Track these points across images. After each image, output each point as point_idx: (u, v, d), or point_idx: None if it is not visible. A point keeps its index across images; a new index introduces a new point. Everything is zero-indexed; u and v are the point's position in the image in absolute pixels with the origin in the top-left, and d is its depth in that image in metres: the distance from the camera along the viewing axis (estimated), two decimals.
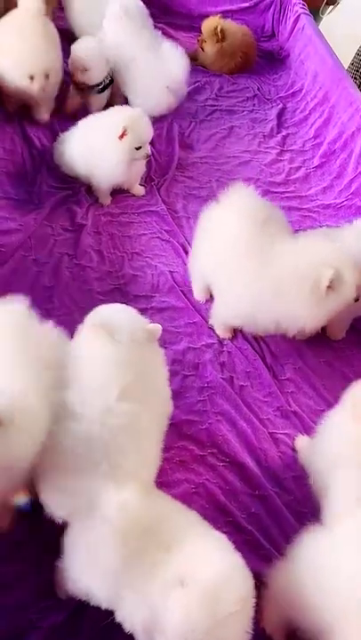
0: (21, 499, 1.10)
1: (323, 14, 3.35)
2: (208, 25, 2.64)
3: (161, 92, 2.15)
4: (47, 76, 1.92)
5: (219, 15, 2.67)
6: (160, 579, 0.87)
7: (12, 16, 1.99)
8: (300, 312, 1.41)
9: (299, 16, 2.82)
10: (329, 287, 1.34)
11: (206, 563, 0.87)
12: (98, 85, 2.07)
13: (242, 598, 0.86)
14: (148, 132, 1.73)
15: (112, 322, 1.10)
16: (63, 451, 0.98)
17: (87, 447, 0.97)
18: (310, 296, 1.36)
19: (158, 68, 2.12)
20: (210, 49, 2.64)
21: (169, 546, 0.91)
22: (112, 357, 1.05)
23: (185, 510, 1.05)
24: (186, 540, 0.92)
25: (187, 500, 1.24)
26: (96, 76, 2.04)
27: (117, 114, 1.73)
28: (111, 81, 2.11)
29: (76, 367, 1.07)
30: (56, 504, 0.99)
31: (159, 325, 1.14)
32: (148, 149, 1.76)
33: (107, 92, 2.12)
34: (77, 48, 2.01)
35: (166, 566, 0.88)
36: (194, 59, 2.72)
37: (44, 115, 2.07)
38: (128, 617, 0.94)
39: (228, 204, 1.51)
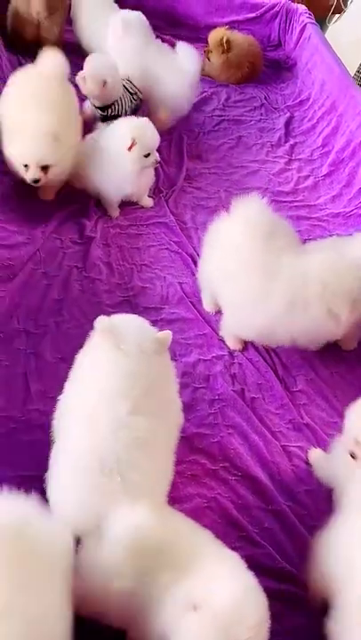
0: None
1: (329, 23, 3.36)
2: (214, 36, 2.65)
3: (183, 88, 2.15)
4: (45, 169, 1.63)
5: (225, 26, 2.69)
6: (172, 601, 0.86)
7: (27, 76, 1.74)
8: (321, 326, 1.39)
9: (305, 25, 2.83)
10: None
11: (220, 586, 0.86)
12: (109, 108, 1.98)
13: (256, 624, 0.84)
14: (154, 138, 1.74)
15: (121, 331, 1.10)
16: (75, 466, 0.98)
17: (100, 462, 0.96)
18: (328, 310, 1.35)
19: (174, 68, 2.13)
20: (216, 60, 2.65)
21: (182, 567, 0.89)
22: (122, 369, 1.04)
23: (197, 529, 1.03)
24: (199, 561, 0.90)
25: (199, 514, 1.23)
26: (116, 89, 1.94)
27: (123, 125, 1.74)
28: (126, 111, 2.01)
29: (87, 378, 1.06)
30: (68, 520, 0.98)
31: (169, 332, 1.14)
32: (156, 155, 1.77)
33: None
34: (92, 60, 1.89)
35: (179, 588, 0.87)
36: (200, 69, 2.73)
37: (46, 195, 1.83)
38: (140, 638, 0.93)
39: (235, 216, 1.50)
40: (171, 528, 0.99)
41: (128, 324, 1.15)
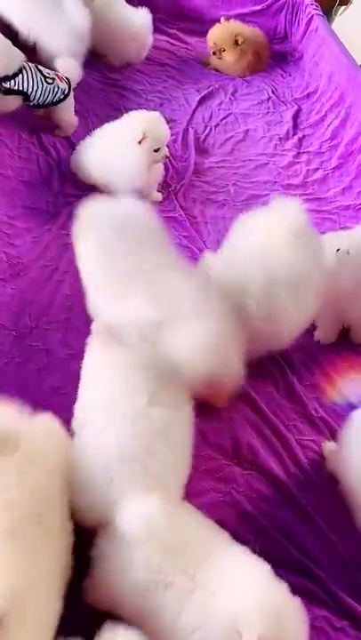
0: None
1: (336, 15, 3.33)
2: (222, 34, 2.63)
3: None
4: None
5: (223, 18, 2.66)
6: (193, 605, 0.87)
7: None
8: None
9: (312, 17, 2.81)
10: None
11: (258, 608, 0.85)
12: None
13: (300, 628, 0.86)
14: (165, 133, 1.74)
15: (120, 324, 1.10)
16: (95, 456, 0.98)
17: (120, 452, 0.96)
18: None
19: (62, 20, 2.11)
20: (231, 56, 2.63)
21: (196, 564, 0.90)
22: (130, 361, 1.04)
23: (210, 524, 1.03)
24: (220, 568, 0.90)
25: (214, 508, 1.23)
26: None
27: (134, 120, 1.74)
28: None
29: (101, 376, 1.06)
30: (86, 513, 0.98)
31: None
32: (166, 150, 1.76)
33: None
34: None
35: (201, 594, 0.87)
36: (206, 63, 2.72)
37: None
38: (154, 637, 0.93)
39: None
40: (184, 523, 0.98)
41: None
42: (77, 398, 1.15)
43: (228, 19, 2.68)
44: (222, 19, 2.67)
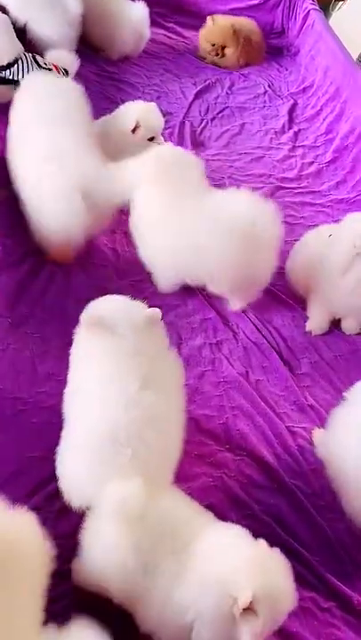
0: None
1: (333, 10, 3.34)
2: (220, 32, 2.63)
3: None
4: None
5: (209, 18, 2.67)
6: (183, 584, 0.89)
7: None
8: None
9: (308, 12, 2.82)
10: None
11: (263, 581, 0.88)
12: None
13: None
14: (159, 122, 1.76)
15: (108, 315, 1.11)
16: (87, 440, 1.00)
17: (111, 436, 0.98)
18: None
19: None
20: (232, 51, 2.64)
21: (185, 548, 0.92)
22: (124, 349, 1.06)
23: (196, 507, 1.05)
24: (205, 545, 0.93)
25: (205, 493, 1.26)
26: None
27: (128, 109, 1.75)
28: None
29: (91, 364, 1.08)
30: (74, 493, 1.00)
31: (158, 310, 1.15)
32: (161, 139, 1.78)
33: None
34: None
35: (190, 572, 0.90)
36: (203, 57, 2.73)
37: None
38: (145, 619, 0.95)
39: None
40: (170, 504, 1.00)
41: (113, 307, 1.16)
42: (67, 384, 1.17)
43: (212, 17, 2.67)
44: (208, 19, 2.67)
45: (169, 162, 1.48)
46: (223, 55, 2.65)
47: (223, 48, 2.64)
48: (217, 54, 2.66)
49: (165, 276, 1.63)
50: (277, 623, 0.91)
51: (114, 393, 1.03)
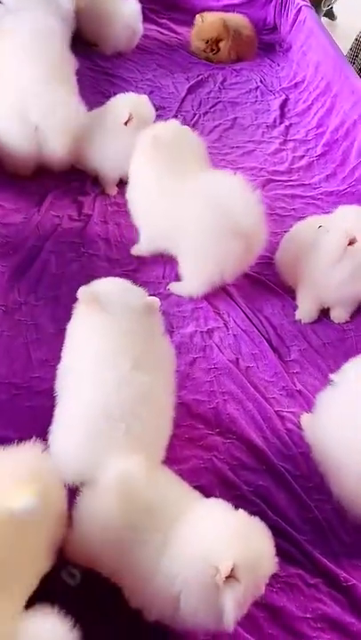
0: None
1: (324, 7, 3.38)
2: (212, 27, 2.66)
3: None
4: None
5: (198, 16, 2.70)
6: (169, 557, 0.92)
7: None
8: None
9: (300, 8, 2.85)
10: None
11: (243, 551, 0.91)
12: None
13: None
14: (151, 114, 1.79)
15: (105, 294, 1.15)
16: (80, 416, 1.02)
17: (105, 412, 1.01)
18: None
19: None
20: (226, 45, 2.67)
21: (171, 525, 0.94)
22: (117, 329, 1.09)
23: (185, 487, 1.07)
24: (191, 519, 0.95)
25: (196, 474, 1.28)
26: None
27: (120, 101, 1.78)
28: None
29: (85, 343, 1.11)
30: (67, 469, 1.03)
31: (157, 299, 1.18)
32: None
33: None
34: None
35: (175, 546, 0.93)
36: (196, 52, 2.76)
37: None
38: (134, 592, 0.98)
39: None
40: (160, 482, 1.03)
41: (111, 288, 1.19)
42: (61, 361, 1.19)
43: (201, 15, 2.70)
44: (197, 17, 2.70)
45: (167, 137, 1.54)
46: (218, 50, 2.67)
47: (218, 42, 2.67)
48: (212, 50, 2.68)
49: (148, 242, 1.71)
50: (260, 588, 0.94)
51: (107, 371, 1.05)
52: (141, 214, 1.68)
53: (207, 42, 2.67)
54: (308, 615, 1.14)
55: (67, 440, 1.06)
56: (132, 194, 1.68)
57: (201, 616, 0.94)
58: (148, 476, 0.99)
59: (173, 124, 1.66)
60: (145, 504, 0.97)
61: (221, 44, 2.68)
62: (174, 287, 1.67)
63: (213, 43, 2.67)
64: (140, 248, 1.74)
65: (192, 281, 1.65)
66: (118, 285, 1.20)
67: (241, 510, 0.99)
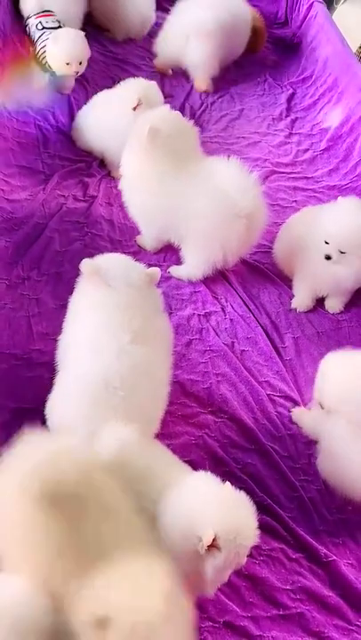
0: None
1: (336, 4, 3.39)
2: None
3: None
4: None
5: None
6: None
7: None
8: None
9: (312, 4, 2.86)
10: None
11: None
12: None
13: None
14: (159, 100, 1.80)
15: (107, 269, 1.18)
16: (80, 384, 1.06)
17: (104, 381, 1.05)
18: None
19: None
20: None
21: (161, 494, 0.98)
22: (117, 302, 1.13)
23: (174, 459, 1.11)
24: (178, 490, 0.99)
25: (186, 450, 1.33)
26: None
27: (130, 86, 1.80)
28: None
29: (86, 314, 1.14)
30: (66, 430, 1.07)
31: (157, 269, 1.22)
32: None
33: None
34: None
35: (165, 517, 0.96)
36: None
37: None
38: None
39: None
40: (155, 451, 1.07)
41: (114, 263, 1.23)
42: (62, 332, 1.23)
43: None
44: None
45: (161, 128, 1.53)
46: None
47: None
48: None
49: (149, 235, 1.72)
50: (242, 558, 0.98)
51: (107, 342, 1.09)
52: (140, 206, 1.67)
53: None
54: (288, 587, 1.19)
55: (65, 407, 1.10)
56: (128, 187, 1.65)
57: (184, 582, 0.98)
58: (140, 445, 1.03)
59: (165, 111, 1.64)
60: (140, 473, 1.01)
61: None
62: (175, 270, 1.71)
63: None
64: (144, 244, 1.76)
65: (194, 264, 1.68)
66: (120, 261, 1.24)
67: (227, 483, 1.03)
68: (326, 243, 1.58)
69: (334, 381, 1.26)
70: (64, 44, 1.99)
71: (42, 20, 2.12)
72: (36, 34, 2.12)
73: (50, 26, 2.11)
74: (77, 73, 2.05)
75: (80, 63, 2.02)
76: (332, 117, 2.25)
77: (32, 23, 2.15)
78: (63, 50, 1.99)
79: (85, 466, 0.91)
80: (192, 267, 1.68)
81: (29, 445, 0.91)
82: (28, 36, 2.20)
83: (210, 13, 2.32)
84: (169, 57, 2.42)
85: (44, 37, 2.09)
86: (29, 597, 0.84)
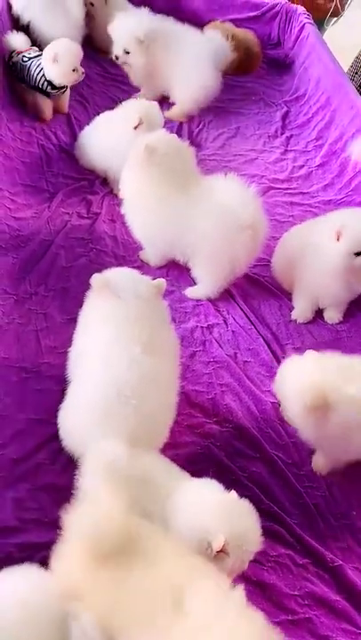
0: None
1: (327, 26, 3.50)
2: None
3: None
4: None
5: (220, 20, 2.81)
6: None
7: None
8: None
9: (303, 25, 2.96)
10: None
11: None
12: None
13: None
14: (160, 120, 1.87)
15: (116, 282, 1.22)
16: (93, 394, 1.10)
17: (116, 391, 1.09)
18: None
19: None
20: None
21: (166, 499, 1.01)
22: (126, 315, 1.17)
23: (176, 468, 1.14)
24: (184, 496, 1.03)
25: (193, 459, 1.36)
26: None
27: (132, 106, 1.87)
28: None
29: (96, 327, 1.18)
30: (77, 443, 1.10)
31: (164, 280, 1.26)
32: None
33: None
34: None
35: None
36: None
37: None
38: None
39: None
40: (152, 462, 1.09)
41: (122, 277, 1.27)
42: (73, 344, 1.27)
43: (223, 21, 2.82)
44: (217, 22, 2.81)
45: (158, 147, 1.58)
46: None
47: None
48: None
49: (153, 253, 1.77)
50: (245, 563, 1.01)
51: (118, 353, 1.13)
52: (141, 226, 1.71)
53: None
54: (296, 592, 1.22)
55: (78, 416, 1.13)
56: (129, 207, 1.70)
57: None
58: (136, 458, 1.05)
59: (162, 133, 1.70)
60: (136, 482, 1.03)
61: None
62: (192, 292, 1.75)
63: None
64: (148, 259, 1.80)
65: (208, 282, 1.72)
66: (128, 274, 1.28)
67: (233, 492, 1.06)
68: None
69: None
70: (65, 53, 2.05)
71: (24, 53, 2.15)
72: (24, 68, 2.13)
73: (34, 55, 2.14)
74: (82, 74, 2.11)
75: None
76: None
77: (15, 60, 2.16)
78: (66, 58, 2.04)
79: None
80: (207, 285, 1.72)
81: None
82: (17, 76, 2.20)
83: None
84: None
85: (35, 63, 2.11)
86: (43, 587, 0.86)
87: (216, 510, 1.01)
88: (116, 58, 2.28)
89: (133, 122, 1.80)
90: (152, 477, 1.06)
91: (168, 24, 2.41)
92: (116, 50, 2.27)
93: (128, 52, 2.24)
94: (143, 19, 2.28)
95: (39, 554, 1.11)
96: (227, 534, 0.96)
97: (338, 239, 1.58)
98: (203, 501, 1.03)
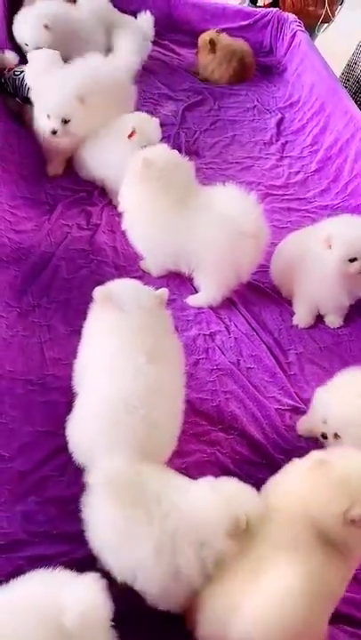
0: None
1: (318, 32, 3.53)
2: (202, 38, 2.84)
3: None
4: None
5: (214, 29, 2.85)
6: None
7: None
8: None
9: (295, 33, 3.00)
10: None
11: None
12: None
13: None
14: (155, 132, 1.89)
15: (119, 294, 1.23)
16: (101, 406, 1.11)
17: (124, 402, 1.10)
18: None
19: None
20: (203, 59, 2.84)
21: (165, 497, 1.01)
22: (131, 326, 1.18)
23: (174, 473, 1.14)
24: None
25: (199, 467, 1.36)
26: None
27: (127, 117, 1.89)
28: None
29: (101, 338, 1.19)
30: (86, 454, 1.11)
31: (166, 290, 1.28)
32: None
33: None
34: None
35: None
36: (196, 73, 2.90)
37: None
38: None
39: None
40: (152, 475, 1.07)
41: (125, 288, 1.28)
42: (78, 356, 1.28)
43: (220, 31, 2.85)
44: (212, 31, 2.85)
45: (156, 161, 1.60)
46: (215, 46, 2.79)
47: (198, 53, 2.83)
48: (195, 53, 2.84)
49: (155, 264, 1.78)
50: None
51: (123, 364, 1.14)
52: (141, 238, 1.73)
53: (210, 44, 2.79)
54: None
55: (87, 427, 1.14)
56: (129, 220, 1.71)
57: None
58: (139, 471, 1.04)
59: (160, 148, 1.72)
60: (140, 493, 1.02)
61: (199, 56, 2.85)
62: (193, 300, 1.76)
63: (197, 52, 2.84)
64: (149, 269, 1.81)
65: (211, 290, 1.73)
66: (130, 285, 1.29)
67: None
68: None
69: (341, 403, 1.30)
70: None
71: (14, 69, 2.18)
72: (16, 81, 2.15)
73: (22, 69, 2.16)
74: None
75: None
76: None
77: (8, 76, 2.18)
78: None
79: None
80: (209, 293, 1.73)
81: None
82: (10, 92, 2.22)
83: None
84: None
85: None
86: (95, 596, 0.87)
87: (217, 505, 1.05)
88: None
89: (127, 131, 1.82)
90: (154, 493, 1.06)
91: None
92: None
93: None
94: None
95: (49, 566, 1.11)
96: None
97: (329, 247, 1.60)
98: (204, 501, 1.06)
